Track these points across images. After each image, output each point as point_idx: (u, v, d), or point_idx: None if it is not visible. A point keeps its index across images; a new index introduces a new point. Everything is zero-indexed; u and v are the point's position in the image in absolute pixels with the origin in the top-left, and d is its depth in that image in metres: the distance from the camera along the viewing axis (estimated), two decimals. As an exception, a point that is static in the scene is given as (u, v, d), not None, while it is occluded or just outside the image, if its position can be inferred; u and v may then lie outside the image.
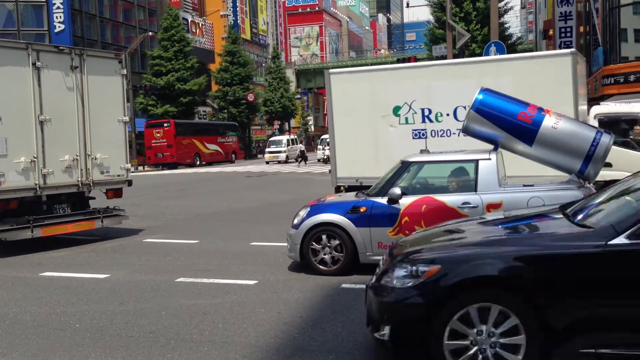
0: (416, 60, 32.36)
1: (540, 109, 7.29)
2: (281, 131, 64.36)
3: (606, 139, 6.89)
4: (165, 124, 40.35)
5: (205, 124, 48.13)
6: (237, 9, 70.73)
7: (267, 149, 42.76)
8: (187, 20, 55.94)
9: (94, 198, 11.46)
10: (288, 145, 42.90)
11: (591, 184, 7.27)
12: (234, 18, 69.73)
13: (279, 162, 40.47)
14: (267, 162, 40.57)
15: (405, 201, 7.05)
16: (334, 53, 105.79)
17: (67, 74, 10.29)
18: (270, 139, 47.14)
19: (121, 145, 11.23)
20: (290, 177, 27.08)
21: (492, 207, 6.75)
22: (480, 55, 30.01)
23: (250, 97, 54.70)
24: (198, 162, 41.70)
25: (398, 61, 40.08)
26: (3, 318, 6.01)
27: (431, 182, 7.71)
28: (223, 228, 11.95)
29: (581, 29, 27.11)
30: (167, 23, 45.56)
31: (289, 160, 41.42)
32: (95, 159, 10.68)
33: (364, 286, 6.80)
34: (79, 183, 10.47)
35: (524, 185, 7.02)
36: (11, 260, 9.17)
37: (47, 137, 9.95)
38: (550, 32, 32.83)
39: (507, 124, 7.13)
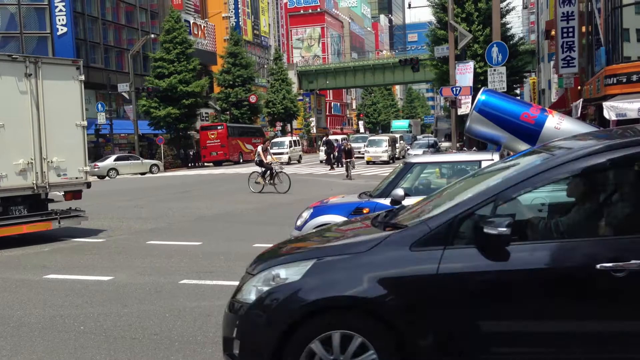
0: (419, 61, 32.41)
1: (543, 110, 7.32)
2: (283, 133, 64.37)
3: None
4: (219, 127, 46.10)
5: (243, 127, 52.13)
6: (239, 10, 70.80)
7: (271, 151, 42.76)
8: (189, 22, 55.97)
9: (52, 200, 11.78)
10: (290, 146, 42.92)
11: None
12: (235, 20, 69.80)
13: (282, 163, 40.50)
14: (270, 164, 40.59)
15: (408, 202, 7.03)
16: (336, 54, 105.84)
17: (21, 80, 10.60)
18: (272, 141, 47.15)
19: (79, 149, 11.55)
20: (292, 178, 27.03)
21: None
22: (482, 55, 30.01)
23: (253, 99, 54.67)
24: (241, 160, 46.20)
25: (400, 62, 40.16)
26: (8, 320, 6.02)
27: (434, 183, 7.71)
28: (226, 230, 11.96)
29: (583, 29, 27.07)
30: (169, 25, 45.53)
31: (291, 162, 41.43)
32: (52, 162, 10.99)
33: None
34: (34, 186, 10.77)
35: None
36: (15, 262, 9.19)
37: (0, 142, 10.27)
38: (553, 32, 32.81)
39: (509, 124, 7.14)
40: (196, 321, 5.74)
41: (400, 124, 74.57)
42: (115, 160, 35.22)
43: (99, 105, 39.83)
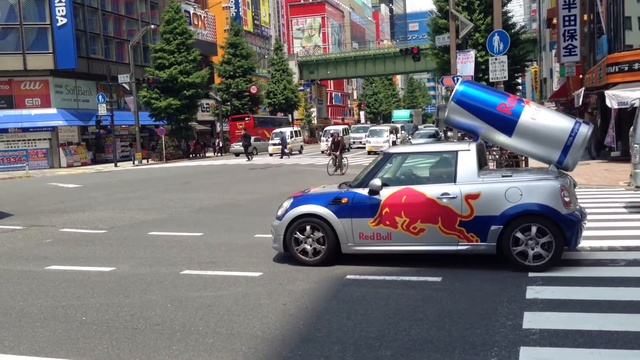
0: (420, 50, 32.30)
1: (520, 100, 7.37)
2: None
3: (584, 129, 6.95)
4: (246, 118, 51.08)
5: (268, 117, 57.50)
6: (239, 0, 70.50)
7: (271, 141, 42.68)
8: (189, 12, 55.74)
9: None
10: (292, 137, 42.86)
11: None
12: (236, 10, 69.51)
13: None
14: (271, 155, 40.58)
15: (386, 192, 7.14)
16: (337, 44, 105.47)
17: None
18: (273, 132, 47.09)
19: None
20: (294, 169, 27.08)
21: (471, 197, 6.80)
22: (484, 44, 29.87)
23: (253, 89, 54.55)
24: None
25: (401, 52, 40.03)
26: (10, 311, 6.04)
27: (412, 173, 7.77)
28: (227, 220, 11.98)
29: (585, 17, 26.94)
30: (169, 16, 45.33)
31: (293, 152, 41.37)
32: None
33: (369, 277, 6.86)
34: None
35: (502, 176, 7.05)
36: (17, 254, 9.22)
37: None
38: (554, 21, 32.65)
39: (487, 115, 7.22)
40: (198, 311, 5.76)
41: (401, 114, 74.37)
42: (254, 141, 43.44)
43: (100, 96, 39.76)
